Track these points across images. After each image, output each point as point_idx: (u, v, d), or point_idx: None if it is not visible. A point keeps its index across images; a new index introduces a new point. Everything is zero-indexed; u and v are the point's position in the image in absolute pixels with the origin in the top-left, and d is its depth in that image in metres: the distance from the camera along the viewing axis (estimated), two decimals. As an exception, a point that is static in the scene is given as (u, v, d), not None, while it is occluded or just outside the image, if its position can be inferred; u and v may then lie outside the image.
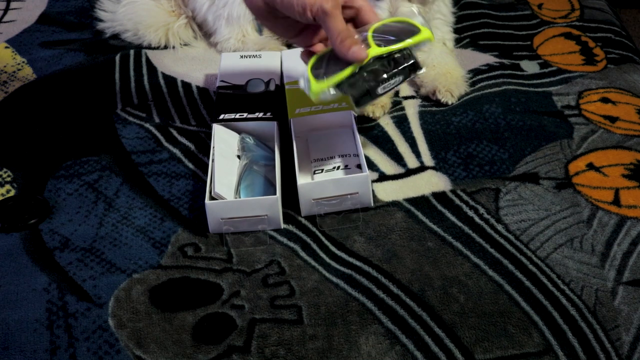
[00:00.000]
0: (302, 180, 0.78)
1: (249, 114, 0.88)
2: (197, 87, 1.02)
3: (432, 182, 0.84)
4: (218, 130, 0.86)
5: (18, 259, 0.76)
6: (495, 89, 0.99)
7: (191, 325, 0.68)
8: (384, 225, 0.78)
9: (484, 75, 1.02)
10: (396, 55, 0.71)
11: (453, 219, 0.78)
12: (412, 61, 0.71)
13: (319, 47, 0.76)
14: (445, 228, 0.77)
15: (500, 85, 1.00)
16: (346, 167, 0.82)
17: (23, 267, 0.75)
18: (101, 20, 1.15)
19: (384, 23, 0.72)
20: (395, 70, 0.71)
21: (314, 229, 0.78)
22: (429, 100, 0.98)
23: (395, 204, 0.81)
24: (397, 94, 1.00)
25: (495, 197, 0.81)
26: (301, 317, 0.68)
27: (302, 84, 0.72)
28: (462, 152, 0.88)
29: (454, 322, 0.67)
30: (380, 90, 0.71)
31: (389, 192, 0.83)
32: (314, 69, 0.72)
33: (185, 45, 1.13)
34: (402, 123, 0.93)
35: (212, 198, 0.76)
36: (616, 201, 0.80)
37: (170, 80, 1.03)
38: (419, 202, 0.81)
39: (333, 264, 0.74)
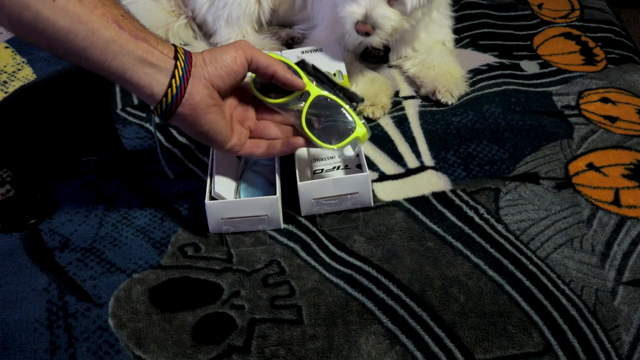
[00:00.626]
0: (302, 180, 0.78)
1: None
2: (197, 87, 1.02)
3: (432, 182, 0.84)
4: (218, 130, 0.85)
5: (18, 259, 0.76)
6: (495, 89, 0.99)
7: (191, 325, 0.68)
8: (384, 225, 0.78)
9: (484, 75, 1.02)
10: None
11: (453, 218, 0.78)
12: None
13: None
14: (445, 228, 0.77)
15: (500, 85, 1.00)
16: (346, 167, 0.82)
17: (23, 267, 0.75)
18: (101, 20, 1.15)
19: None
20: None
21: (314, 229, 0.78)
22: (429, 100, 0.98)
23: (395, 203, 0.81)
24: (397, 94, 1.00)
25: (495, 197, 0.81)
26: (301, 317, 0.68)
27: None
28: (462, 152, 0.88)
29: (454, 322, 0.67)
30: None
31: (389, 192, 0.83)
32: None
33: (185, 45, 1.13)
34: (402, 123, 0.93)
35: (212, 198, 0.76)
36: (616, 201, 0.80)
37: (170, 80, 1.03)
38: (419, 202, 0.81)
39: (333, 263, 0.74)
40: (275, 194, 0.76)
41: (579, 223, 0.77)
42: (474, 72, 1.03)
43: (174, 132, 0.93)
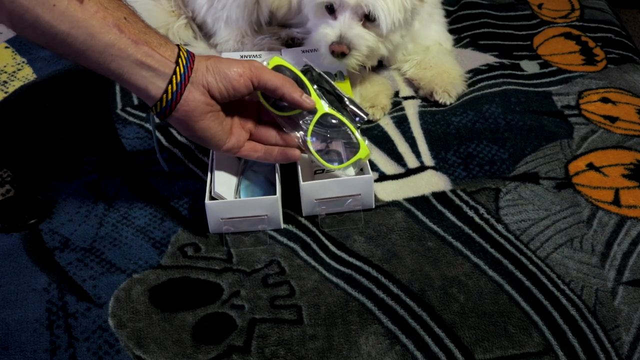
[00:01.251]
0: (304, 180, 0.78)
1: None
2: (197, 87, 1.02)
3: (432, 182, 0.84)
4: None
5: (18, 259, 0.76)
6: (495, 89, 0.99)
7: (191, 325, 0.68)
8: (384, 225, 0.78)
9: (484, 75, 1.02)
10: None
11: (453, 218, 0.78)
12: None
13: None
14: (445, 228, 0.77)
15: (500, 85, 1.00)
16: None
17: (23, 267, 0.75)
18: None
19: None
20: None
21: (314, 229, 0.78)
22: (428, 100, 0.98)
23: (395, 203, 0.81)
24: (397, 94, 1.00)
25: (495, 197, 0.81)
26: (301, 317, 0.68)
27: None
28: (462, 152, 0.88)
29: (454, 322, 0.67)
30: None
31: (389, 192, 0.83)
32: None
33: (185, 45, 1.12)
34: (402, 123, 0.93)
35: (212, 198, 0.76)
36: (616, 201, 0.80)
37: (170, 80, 1.03)
38: (419, 202, 0.81)
39: (333, 263, 0.74)
40: (275, 193, 0.76)
41: (579, 223, 0.77)
42: (474, 72, 1.03)
43: (174, 132, 0.93)
